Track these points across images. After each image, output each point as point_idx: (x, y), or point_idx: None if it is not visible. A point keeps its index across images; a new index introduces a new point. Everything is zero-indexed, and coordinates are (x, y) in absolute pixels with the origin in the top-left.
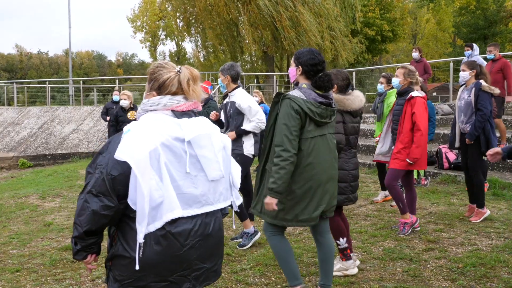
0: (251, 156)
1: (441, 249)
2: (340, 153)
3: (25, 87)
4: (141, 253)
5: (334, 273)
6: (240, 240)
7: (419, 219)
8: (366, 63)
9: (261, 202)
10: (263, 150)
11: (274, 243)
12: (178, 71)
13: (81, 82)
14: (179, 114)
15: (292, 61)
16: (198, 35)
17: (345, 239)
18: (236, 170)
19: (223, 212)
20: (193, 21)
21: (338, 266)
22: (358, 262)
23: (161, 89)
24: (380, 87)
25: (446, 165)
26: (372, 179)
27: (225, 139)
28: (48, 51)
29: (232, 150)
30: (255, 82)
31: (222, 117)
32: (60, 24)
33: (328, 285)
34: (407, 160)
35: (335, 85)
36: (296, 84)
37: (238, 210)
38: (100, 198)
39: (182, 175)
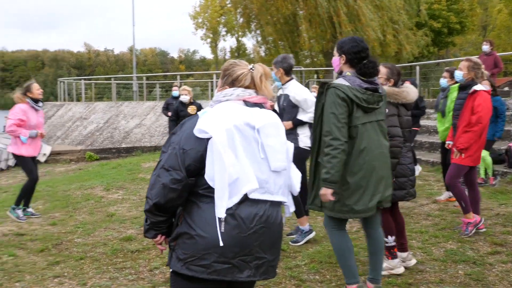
0: (308, 149)
1: (509, 252)
2: (399, 147)
3: (92, 84)
4: (222, 228)
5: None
6: (295, 236)
7: (485, 221)
8: (431, 57)
9: (318, 196)
10: (313, 143)
11: (334, 238)
12: (251, 69)
13: (144, 78)
14: (251, 104)
15: (335, 51)
16: (258, 30)
17: (393, 237)
18: (296, 174)
19: (285, 210)
20: (253, 16)
21: (384, 265)
22: (413, 262)
23: (234, 83)
24: (443, 81)
25: None
26: (435, 177)
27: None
28: (114, 49)
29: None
30: (315, 77)
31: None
32: (125, 22)
33: (377, 279)
34: (454, 149)
35: (392, 80)
36: (340, 73)
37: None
38: (170, 172)
39: (251, 158)
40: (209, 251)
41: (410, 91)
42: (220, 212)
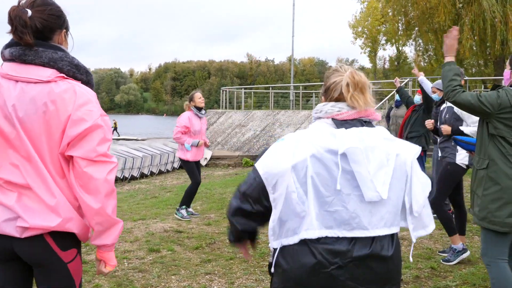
0: (465, 167)
1: None
2: None
3: (252, 93)
4: (278, 260)
5: None
6: (447, 254)
7: None
8: None
9: (483, 208)
10: (477, 147)
11: (492, 270)
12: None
13: (301, 87)
14: (339, 123)
15: (507, 63)
16: (419, 38)
17: None
18: (418, 192)
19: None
20: (414, 24)
21: None
22: None
23: (326, 93)
24: None
25: None
26: None
27: (407, 154)
28: (274, 59)
29: (444, 157)
30: (482, 87)
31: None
32: (286, 33)
33: None
34: None
35: None
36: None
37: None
38: (241, 199)
39: (332, 190)
40: (290, 284)
41: None
42: (274, 244)
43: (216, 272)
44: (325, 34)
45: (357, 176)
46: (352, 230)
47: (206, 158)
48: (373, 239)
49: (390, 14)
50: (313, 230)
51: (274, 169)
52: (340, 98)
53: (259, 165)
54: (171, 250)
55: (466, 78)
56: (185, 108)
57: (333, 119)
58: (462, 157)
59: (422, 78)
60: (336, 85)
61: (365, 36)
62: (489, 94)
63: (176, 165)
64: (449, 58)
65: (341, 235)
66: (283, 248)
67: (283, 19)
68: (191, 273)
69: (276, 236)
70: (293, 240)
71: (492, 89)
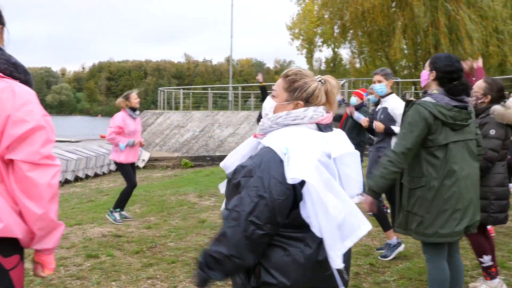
0: None
1: None
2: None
3: (190, 93)
4: (346, 276)
5: None
6: (384, 251)
7: None
8: None
9: (404, 218)
10: (408, 167)
11: (430, 266)
12: (321, 81)
13: (239, 88)
14: (323, 127)
15: (426, 64)
16: (354, 41)
17: (489, 256)
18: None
19: None
20: (349, 27)
21: (484, 287)
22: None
23: (309, 99)
24: None
25: None
26: None
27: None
28: (212, 59)
29: (380, 157)
30: (413, 88)
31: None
32: (224, 33)
33: None
34: None
35: (489, 96)
36: (425, 92)
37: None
38: (260, 226)
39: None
40: None
41: None
42: (337, 263)
43: (158, 276)
44: (263, 35)
45: (343, 178)
46: None
47: (143, 160)
48: None
49: (327, 17)
50: (360, 228)
51: (313, 174)
52: (322, 104)
53: (299, 173)
54: (110, 255)
55: (399, 80)
56: (118, 104)
57: (317, 124)
58: None
59: (358, 115)
60: (320, 91)
61: (302, 37)
62: (414, 121)
63: (112, 167)
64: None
65: None
66: (280, 259)
67: (221, 20)
68: (132, 278)
69: (336, 248)
70: (350, 242)
71: (406, 105)
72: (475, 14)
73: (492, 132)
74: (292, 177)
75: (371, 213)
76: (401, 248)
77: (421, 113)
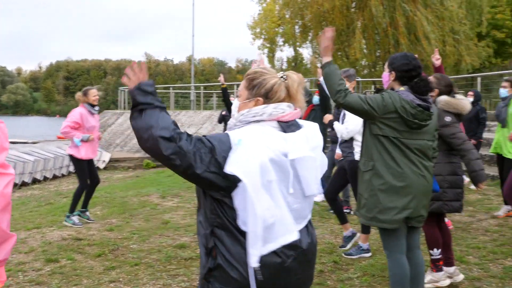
0: None
1: None
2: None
3: None
4: (259, 276)
5: (425, 286)
6: (347, 248)
7: None
8: (493, 68)
9: (358, 200)
10: (362, 150)
11: (390, 263)
12: (282, 77)
13: (201, 87)
14: (285, 125)
15: (385, 66)
16: (315, 41)
17: (439, 250)
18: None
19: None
20: (311, 26)
21: (429, 278)
22: (461, 277)
23: (268, 95)
24: (503, 91)
25: None
26: (495, 192)
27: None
28: (173, 59)
29: (344, 157)
30: (372, 87)
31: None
32: (185, 33)
33: None
34: None
35: (436, 90)
36: (392, 89)
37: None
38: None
39: (286, 191)
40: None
41: (466, 102)
42: (253, 261)
43: (121, 279)
44: (225, 34)
45: (302, 179)
46: (303, 221)
47: (104, 161)
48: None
49: (288, 16)
50: (288, 235)
51: (250, 172)
52: (283, 100)
53: (234, 167)
54: (71, 259)
55: (359, 79)
56: (77, 99)
57: (278, 121)
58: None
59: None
60: (279, 86)
61: (263, 37)
62: (375, 97)
63: (72, 168)
64: (327, 59)
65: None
66: (234, 245)
67: (182, 19)
68: (94, 282)
69: (256, 247)
70: (273, 246)
71: (375, 92)
72: (432, 15)
73: (448, 118)
74: (229, 170)
75: (332, 210)
76: (356, 237)
77: (385, 98)
